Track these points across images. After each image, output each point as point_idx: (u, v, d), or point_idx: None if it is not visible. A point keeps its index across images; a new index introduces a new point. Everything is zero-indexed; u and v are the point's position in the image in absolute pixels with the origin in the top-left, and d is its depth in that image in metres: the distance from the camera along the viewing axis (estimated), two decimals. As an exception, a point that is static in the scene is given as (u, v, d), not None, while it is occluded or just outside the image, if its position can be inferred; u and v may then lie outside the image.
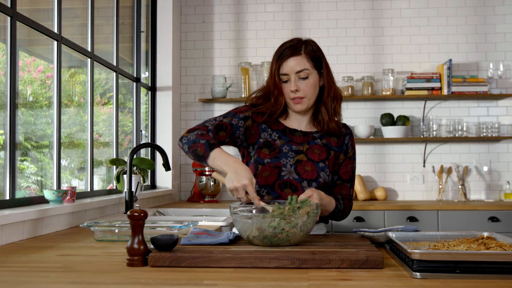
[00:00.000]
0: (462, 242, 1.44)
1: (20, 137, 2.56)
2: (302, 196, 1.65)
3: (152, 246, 1.46)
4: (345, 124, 2.00)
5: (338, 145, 1.94)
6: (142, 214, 1.40)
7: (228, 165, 1.67)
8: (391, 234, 1.58)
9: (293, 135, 1.92)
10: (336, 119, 1.94)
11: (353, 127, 4.47)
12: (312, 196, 1.67)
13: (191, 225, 1.88)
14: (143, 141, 4.25)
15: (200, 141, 1.76)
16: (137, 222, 1.40)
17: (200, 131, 1.83)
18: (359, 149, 4.50)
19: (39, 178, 2.86)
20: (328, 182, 1.90)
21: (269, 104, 1.91)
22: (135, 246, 1.39)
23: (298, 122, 1.95)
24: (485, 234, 1.54)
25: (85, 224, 1.89)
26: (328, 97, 1.89)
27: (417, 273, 1.24)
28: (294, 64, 1.84)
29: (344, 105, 4.53)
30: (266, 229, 1.47)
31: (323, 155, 1.89)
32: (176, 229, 1.79)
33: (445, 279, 1.22)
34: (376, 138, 4.38)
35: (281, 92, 1.88)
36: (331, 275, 1.27)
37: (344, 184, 1.93)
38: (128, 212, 1.41)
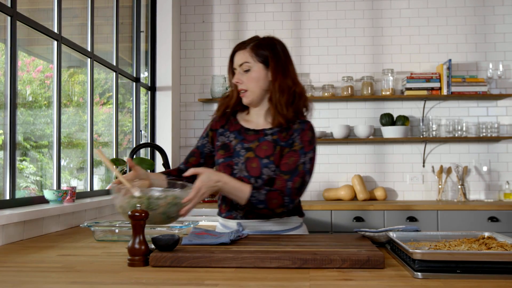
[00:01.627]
0: (463, 242, 1.44)
1: (19, 137, 2.55)
2: (187, 173, 1.74)
3: (153, 246, 1.46)
4: (304, 121, 1.95)
5: (285, 139, 1.91)
6: (143, 214, 1.40)
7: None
8: (392, 234, 1.58)
9: (246, 134, 1.96)
10: (292, 114, 1.91)
11: (352, 127, 4.47)
12: (199, 175, 1.70)
13: (192, 225, 1.88)
14: (143, 141, 4.25)
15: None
16: (138, 222, 1.40)
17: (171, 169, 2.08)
18: (359, 149, 4.51)
19: (38, 178, 2.86)
20: (275, 177, 1.85)
21: (222, 99, 2.03)
22: (136, 246, 1.39)
23: (256, 117, 1.99)
24: (486, 234, 1.54)
25: (86, 224, 1.88)
26: (275, 90, 1.90)
27: (419, 273, 1.24)
28: (238, 58, 1.94)
29: (344, 105, 4.54)
30: (126, 207, 1.59)
31: (269, 151, 1.88)
32: (176, 229, 1.79)
33: (447, 279, 1.22)
34: (375, 138, 4.38)
35: (233, 85, 1.98)
36: (332, 275, 1.27)
37: (280, 175, 1.83)
38: (129, 212, 1.41)
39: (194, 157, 2.02)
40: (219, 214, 2.02)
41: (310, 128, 1.92)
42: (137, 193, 1.60)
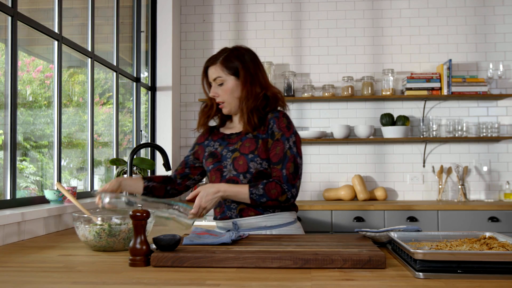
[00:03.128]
0: (464, 242, 1.44)
1: (19, 137, 2.55)
2: (188, 197, 1.89)
3: (154, 246, 1.46)
4: (275, 110, 2.05)
5: (264, 131, 2.01)
6: (144, 214, 1.40)
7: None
8: (393, 234, 1.58)
9: (229, 138, 2.09)
10: (257, 117, 2.02)
11: (353, 127, 4.47)
12: (198, 193, 1.85)
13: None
14: (143, 141, 4.25)
15: None
16: (140, 222, 1.40)
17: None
18: (359, 149, 4.51)
19: (38, 178, 2.86)
20: (262, 169, 1.96)
21: (202, 111, 2.15)
22: (138, 246, 1.39)
23: (237, 123, 2.12)
24: (487, 234, 1.54)
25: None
26: (241, 98, 2.02)
27: (420, 273, 1.24)
28: (211, 73, 2.05)
29: (344, 105, 4.54)
30: (89, 236, 1.64)
31: (252, 146, 1.99)
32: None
33: (448, 279, 1.22)
34: (376, 138, 4.38)
35: (210, 98, 2.10)
36: (334, 275, 1.27)
37: (274, 167, 1.94)
38: (131, 212, 1.41)
39: (181, 167, 2.21)
40: (215, 218, 2.10)
41: (284, 115, 2.03)
42: (98, 221, 1.66)
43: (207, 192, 1.85)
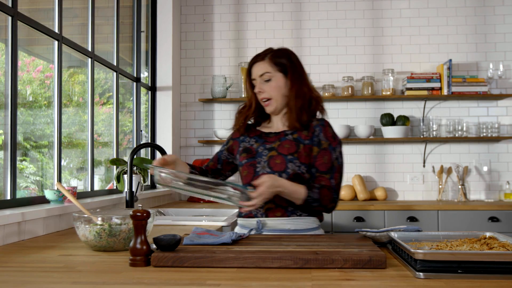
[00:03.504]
0: (464, 242, 1.44)
1: (19, 137, 2.55)
2: (255, 182, 1.81)
3: (154, 246, 1.46)
4: (319, 118, 2.08)
5: (308, 137, 2.02)
6: (144, 214, 1.40)
7: None
8: (393, 234, 1.58)
9: (267, 137, 2.10)
10: (306, 118, 2.04)
11: (353, 127, 4.47)
12: (264, 182, 1.79)
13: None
14: (143, 141, 4.25)
15: None
16: (140, 222, 1.40)
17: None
18: (359, 149, 4.51)
19: (38, 178, 2.86)
20: (299, 173, 1.96)
21: (239, 112, 2.15)
22: (138, 246, 1.39)
23: (276, 123, 2.12)
24: (487, 234, 1.54)
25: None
26: (292, 97, 2.03)
27: (421, 273, 1.24)
28: (258, 69, 2.04)
29: (344, 105, 4.54)
30: (89, 235, 1.62)
31: (292, 148, 2.00)
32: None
33: (449, 279, 1.22)
34: (376, 138, 4.38)
35: (252, 95, 2.10)
36: (334, 275, 1.27)
37: (322, 175, 1.97)
38: (131, 212, 1.41)
39: (212, 162, 2.21)
40: (239, 215, 2.10)
41: (328, 124, 2.06)
42: (99, 221, 1.64)
43: (272, 183, 1.82)
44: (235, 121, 2.16)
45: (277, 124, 2.12)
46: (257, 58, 2.06)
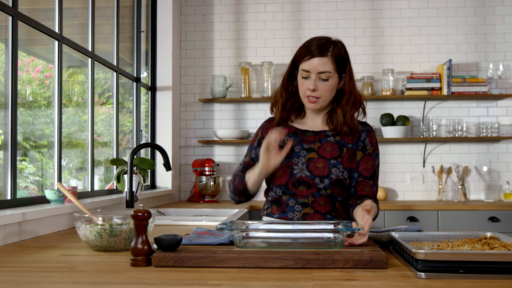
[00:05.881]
0: (465, 242, 1.44)
1: (18, 137, 2.55)
2: (362, 213, 1.61)
3: (155, 246, 1.46)
4: (363, 122, 2.00)
5: (353, 141, 1.94)
6: (146, 214, 1.40)
7: (257, 169, 1.87)
8: (394, 234, 1.58)
9: (304, 135, 1.96)
10: (349, 120, 1.94)
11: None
12: (368, 215, 1.60)
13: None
14: (143, 141, 4.25)
15: (236, 183, 1.97)
16: (141, 222, 1.40)
17: (233, 178, 2.02)
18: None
19: (37, 178, 2.85)
20: (342, 178, 1.88)
21: (279, 103, 1.98)
22: (139, 246, 1.39)
23: (312, 120, 1.99)
24: (488, 234, 1.54)
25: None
26: (348, 103, 1.92)
27: (422, 273, 1.24)
28: (318, 64, 1.85)
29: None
30: (90, 235, 1.61)
31: (335, 152, 1.90)
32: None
33: (450, 279, 1.22)
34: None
35: (288, 85, 1.95)
36: (335, 275, 1.27)
37: (366, 181, 1.91)
38: (132, 212, 1.41)
39: (250, 164, 2.02)
40: (270, 215, 1.97)
41: (373, 130, 2.00)
42: (99, 221, 1.63)
43: (375, 213, 1.68)
44: (278, 113, 1.98)
45: (316, 121, 1.98)
46: (321, 51, 1.85)
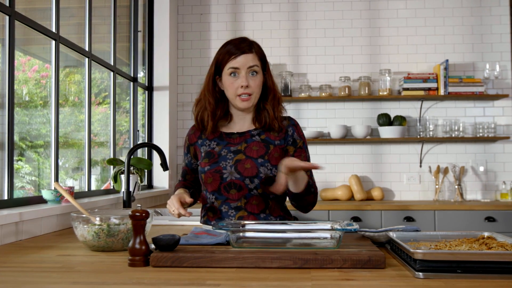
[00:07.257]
0: (463, 242, 1.44)
1: (15, 137, 2.54)
2: (287, 163, 1.67)
3: (153, 246, 1.45)
4: (288, 117, 2.02)
5: (280, 138, 1.96)
6: (143, 214, 1.40)
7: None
8: (392, 234, 1.58)
9: (230, 138, 1.96)
10: (277, 116, 1.98)
11: (350, 127, 4.48)
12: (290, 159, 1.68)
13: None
14: (140, 141, 4.24)
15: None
16: (139, 222, 1.40)
17: (179, 183, 2.12)
18: (356, 149, 4.51)
19: (33, 178, 2.85)
20: (271, 176, 1.87)
21: (207, 110, 1.95)
22: (137, 246, 1.39)
23: (239, 122, 1.99)
24: (486, 234, 1.55)
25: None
26: (274, 99, 1.96)
27: (420, 273, 1.24)
28: (247, 59, 1.89)
29: (341, 105, 4.55)
30: (88, 236, 1.62)
31: (261, 150, 1.91)
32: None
33: (448, 279, 1.23)
34: (373, 138, 4.39)
35: (212, 89, 1.94)
36: (333, 275, 1.27)
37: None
38: (130, 212, 1.41)
39: (189, 175, 2.10)
40: (207, 222, 1.98)
41: (298, 123, 2.03)
42: (97, 221, 1.63)
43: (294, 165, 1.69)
44: (203, 123, 1.97)
45: (242, 123, 1.99)
46: (246, 48, 1.89)
